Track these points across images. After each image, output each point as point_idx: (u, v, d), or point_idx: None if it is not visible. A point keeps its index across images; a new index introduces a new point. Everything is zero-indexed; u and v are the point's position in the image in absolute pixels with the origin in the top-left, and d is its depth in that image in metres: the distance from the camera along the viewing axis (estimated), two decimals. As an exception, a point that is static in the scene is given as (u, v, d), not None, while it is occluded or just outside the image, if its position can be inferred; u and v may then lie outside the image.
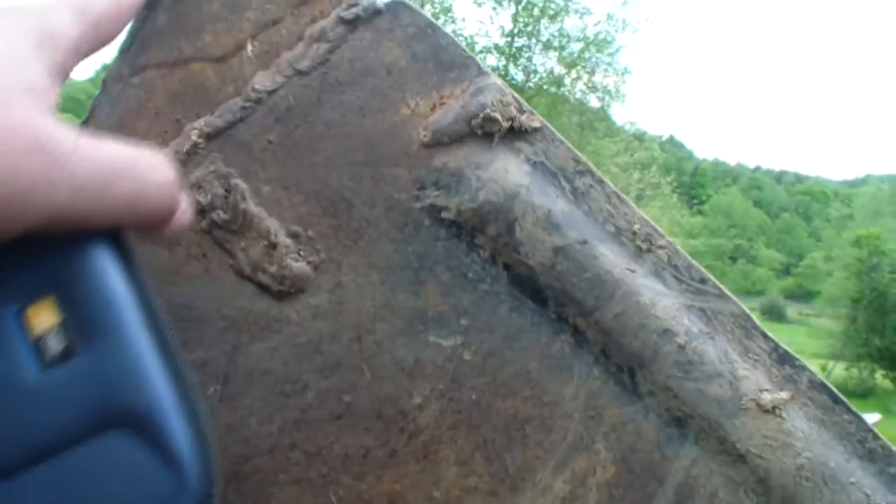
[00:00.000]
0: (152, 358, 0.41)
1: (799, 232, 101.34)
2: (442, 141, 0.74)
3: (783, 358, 0.75)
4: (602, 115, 28.99)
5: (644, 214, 0.77)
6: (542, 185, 0.74)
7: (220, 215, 0.72)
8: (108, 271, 0.42)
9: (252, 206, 0.72)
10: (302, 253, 0.73)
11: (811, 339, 37.11)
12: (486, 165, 0.73)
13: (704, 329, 0.74)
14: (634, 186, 30.79)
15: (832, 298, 38.76)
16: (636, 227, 0.75)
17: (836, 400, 0.75)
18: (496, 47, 25.69)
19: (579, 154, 0.76)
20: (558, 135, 0.76)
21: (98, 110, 0.74)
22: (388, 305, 0.73)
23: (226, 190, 0.72)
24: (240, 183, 0.72)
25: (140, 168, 0.44)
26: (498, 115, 0.73)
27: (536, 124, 0.75)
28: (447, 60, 0.75)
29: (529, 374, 0.73)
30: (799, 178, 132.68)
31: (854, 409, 0.76)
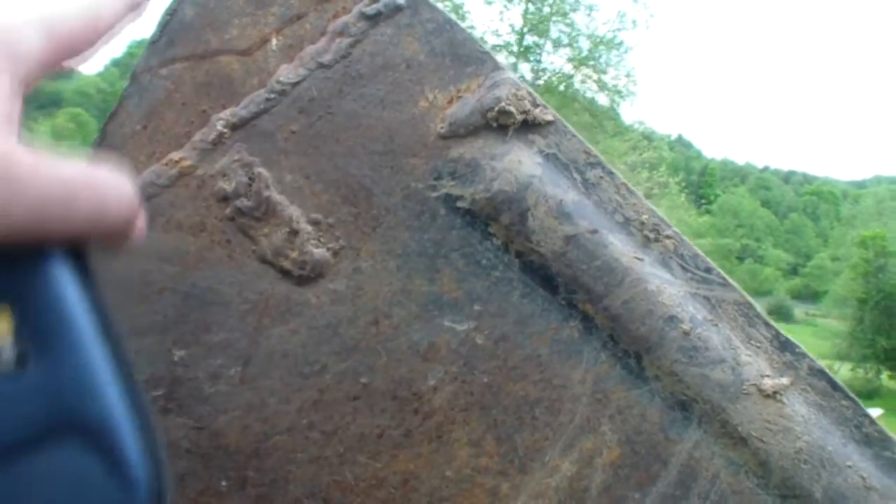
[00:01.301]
0: (104, 369, 0.42)
1: (807, 232, 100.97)
2: (458, 133, 0.76)
3: (784, 345, 0.78)
4: (611, 113, 28.97)
5: (652, 206, 0.79)
6: (554, 176, 0.76)
7: (243, 203, 0.75)
8: (64, 283, 0.43)
9: (275, 194, 0.75)
10: (322, 239, 0.76)
11: (817, 339, 37.03)
12: (500, 157, 0.76)
13: (708, 316, 0.77)
14: (643, 185, 30.72)
15: (839, 299, 38.68)
16: (644, 217, 0.78)
17: (834, 386, 0.78)
18: (506, 45, 25.71)
19: (590, 147, 0.78)
20: (570, 128, 0.78)
21: (127, 101, 0.77)
22: (404, 291, 0.76)
23: (249, 178, 0.75)
24: (263, 171, 0.75)
25: (100, 185, 0.44)
26: (512, 109, 0.76)
27: (549, 118, 0.78)
28: (464, 55, 0.78)
29: (539, 358, 0.76)
30: (807, 179, 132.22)
31: (852, 395, 0.79)
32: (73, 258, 0.45)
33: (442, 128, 0.77)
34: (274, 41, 0.77)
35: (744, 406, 0.75)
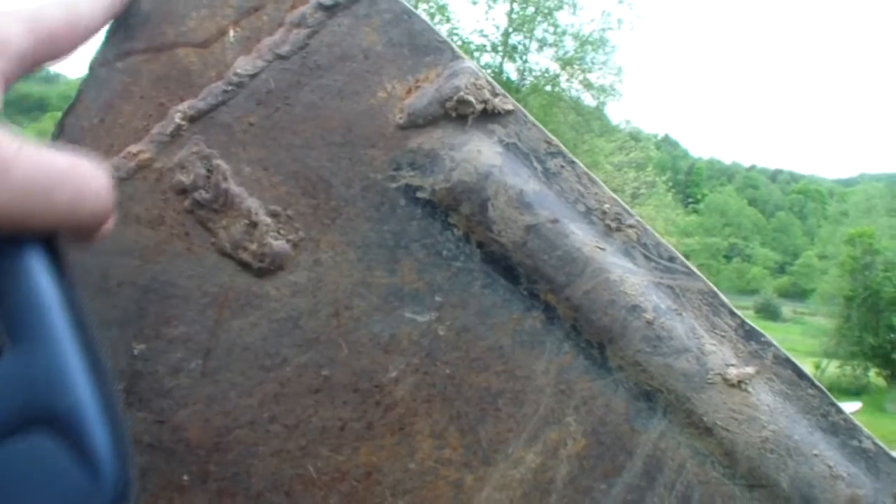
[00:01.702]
0: (76, 361, 0.42)
1: (794, 230, 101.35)
2: (417, 123, 0.76)
3: (749, 334, 0.78)
4: (598, 113, 29.01)
5: (613, 194, 0.79)
6: (515, 166, 0.76)
7: (202, 195, 0.74)
8: (39, 275, 0.43)
9: (233, 186, 0.75)
10: (281, 231, 0.75)
11: (805, 337, 37.18)
12: (459, 146, 0.75)
13: (672, 305, 0.77)
14: (630, 185, 30.78)
15: (826, 297, 38.83)
16: (606, 206, 0.78)
17: (800, 375, 0.78)
18: (491, 45, 25.74)
19: (551, 136, 0.78)
20: (530, 117, 0.78)
21: (84, 95, 0.76)
22: (364, 282, 0.76)
23: (208, 170, 0.74)
24: (221, 164, 0.75)
25: (79, 175, 0.44)
26: (471, 98, 0.75)
27: (509, 107, 0.77)
28: (422, 45, 0.77)
29: (502, 349, 0.76)
30: (794, 177, 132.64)
31: (818, 383, 0.79)
32: (48, 250, 0.44)
33: (401, 118, 0.76)
34: (231, 33, 0.76)
35: (709, 396, 0.75)
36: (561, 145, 0.78)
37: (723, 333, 0.77)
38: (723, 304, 0.78)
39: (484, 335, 0.76)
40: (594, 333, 0.76)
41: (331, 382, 0.75)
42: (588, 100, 27.53)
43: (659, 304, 0.76)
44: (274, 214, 0.75)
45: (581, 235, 0.76)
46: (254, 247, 0.75)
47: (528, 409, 0.75)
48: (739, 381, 0.75)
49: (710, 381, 0.75)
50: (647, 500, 0.76)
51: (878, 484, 0.75)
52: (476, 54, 25.54)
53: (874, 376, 32.32)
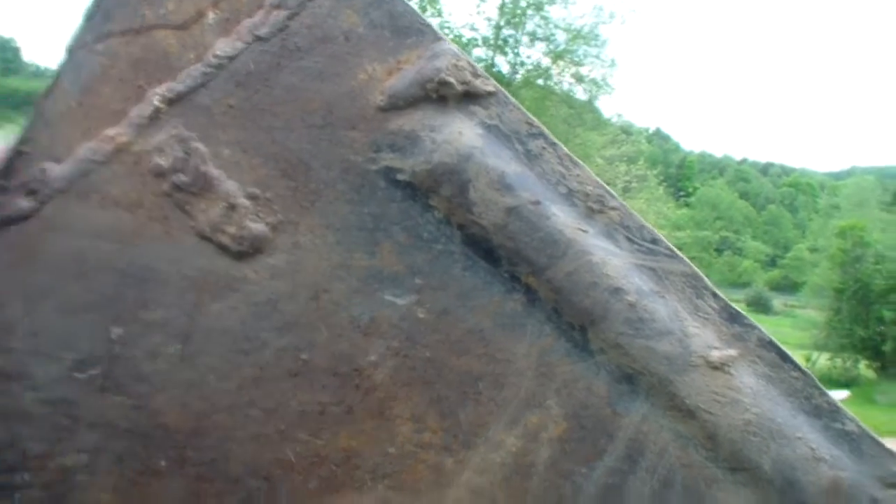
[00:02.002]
0: None
1: (785, 224, 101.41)
2: (398, 105, 0.75)
3: (733, 316, 0.78)
4: (589, 107, 29.00)
5: (597, 177, 0.79)
6: (496, 148, 0.75)
7: (180, 178, 0.74)
8: None
9: (212, 169, 0.74)
10: (260, 214, 0.75)
11: (796, 330, 37.19)
12: (440, 128, 0.75)
13: (655, 288, 0.76)
14: (621, 179, 30.76)
15: (817, 290, 38.86)
16: (589, 188, 0.77)
17: (784, 358, 0.78)
18: (483, 39, 25.69)
19: (533, 118, 0.78)
20: (512, 99, 0.78)
21: (63, 78, 0.75)
22: (344, 265, 0.75)
23: (186, 153, 0.74)
24: (200, 146, 0.74)
25: None
26: (452, 80, 0.75)
27: (490, 88, 0.77)
28: (404, 27, 0.77)
29: (482, 331, 0.75)
30: (785, 170, 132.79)
31: (802, 366, 0.78)
32: None
33: (381, 100, 0.76)
34: (210, 15, 0.76)
35: (691, 378, 0.75)
36: (542, 127, 0.78)
37: (706, 316, 0.77)
38: (706, 287, 0.78)
39: (464, 318, 0.75)
40: (576, 316, 0.75)
41: (310, 366, 0.75)
42: (580, 93, 27.54)
43: (641, 287, 0.76)
44: (253, 197, 0.75)
45: (562, 217, 0.75)
46: (233, 230, 0.74)
47: (509, 393, 0.75)
48: (722, 364, 0.75)
49: (692, 363, 0.75)
50: (629, 484, 0.75)
51: (862, 466, 0.75)
52: (467, 48, 25.52)
53: (864, 368, 32.42)
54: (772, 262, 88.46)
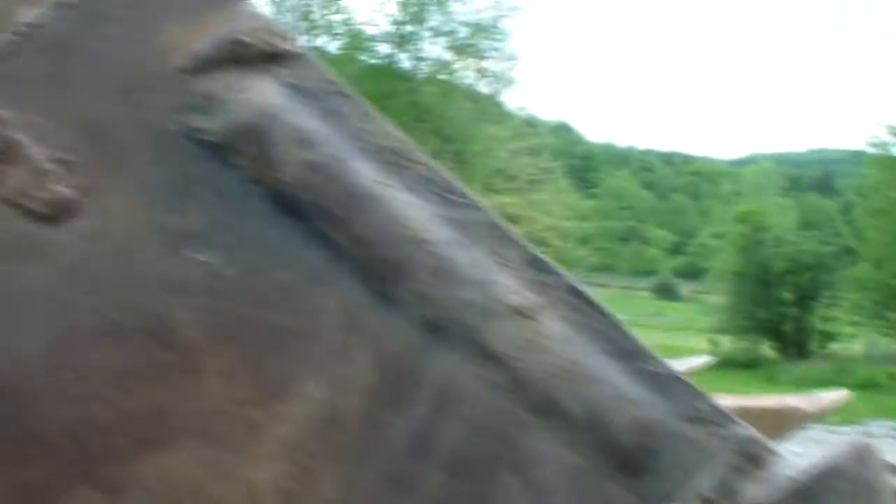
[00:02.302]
0: None
1: (689, 212, 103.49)
2: (202, 67, 0.76)
3: (538, 264, 0.80)
4: (493, 101, 29.19)
5: (401, 133, 0.80)
6: (297, 106, 0.77)
7: None
8: None
9: (17, 134, 0.74)
10: (68, 179, 0.75)
11: (703, 315, 37.92)
12: (244, 89, 0.76)
13: (459, 238, 0.79)
14: (526, 172, 31.05)
15: (720, 275, 39.69)
16: (392, 143, 0.79)
17: (590, 303, 0.80)
18: (385, 35, 25.64)
19: (334, 76, 0.79)
20: (314, 58, 0.79)
21: None
22: (153, 226, 0.76)
23: None
24: (4, 112, 0.74)
25: None
26: (255, 41, 0.76)
27: (294, 49, 0.78)
28: None
29: (289, 286, 0.76)
30: (687, 160, 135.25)
31: (608, 310, 0.81)
32: None
33: (185, 63, 0.77)
34: None
35: (498, 326, 0.77)
36: (344, 84, 0.80)
37: (511, 265, 0.79)
38: (510, 237, 0.80)
39: (271, 274, 0.76)
40: (381, 268, 0.77)
41: (120, 326, 0.75)
42: (483, 88, 27.69)
43: (445, 238, 0.78)
44: (60, 162, 0.75)
45: (365, 172, 0.77)
46: (40, 194, 0.74)
47: (317, 346, 0.76)
48: (528, 311, 0.77)
49: (498, 311, 0.77)
50: (439, 432, 0.77)
51: (670, 406, 0.78)
52: (369, 44, 25.43)
53: (767, 349, 33.28)
54: (677, 250, 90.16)
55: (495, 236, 0.80)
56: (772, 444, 0.79)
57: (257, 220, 0.77)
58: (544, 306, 0.78)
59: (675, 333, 31.21)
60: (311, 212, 0.77)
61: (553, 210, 33.39)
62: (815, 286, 33.84)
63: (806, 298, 33.59)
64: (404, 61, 25.91)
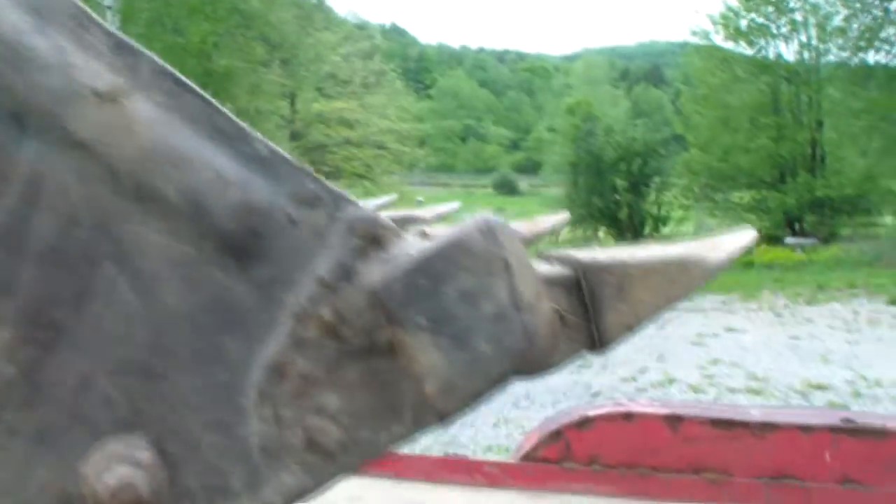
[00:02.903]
0: None
1: (524, 108, 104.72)
2: None
3: (122, 48, 0.77)
4: (319, 6, 28.63)
5: None
6: None
7: None
8: None
9: None
10: None
11: (542, 207, 38.80)
12: None
13: (34, 23, 0.75)
14: (358, 75, 30.76)
15: (556, 167, 40.66)
16: None
17: (180, 84, 0.77)
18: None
19: None
20: None
21: None
22: None
23: None
24: None
25: None
26: None
27: None
28: None
29: None
30: (521, 56, 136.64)
31: (202, 92, 0.78)
32: None
33: None
34: None
35: (81, 111, 0.73)
36: None
37: (93, 49, 0.76)
38: (93, 21, 0.77)
39: None
40: None
41: None
42: (308, -8, 27.06)
43: (18, 23, 0.74)
44: None
45: None
46: None
47: None
48: (112, 94, 0.74)
49: (80, 95, 0.73)
50: (32, 224, 0.74)
51: (275, 185, 0.76)
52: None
53: (604, 235, 34.48)
54: (515, 146, 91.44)
55: (76, 21, 0.76)
56: (395, 226, 0.78)
57: None
58: (132, 90, 0.74)
59: (515, 227, 31.78)
60: None
61: (389, 113, 33.01)
62: (646, 173, 35.06)
63: (639, 185, 34.80)
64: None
